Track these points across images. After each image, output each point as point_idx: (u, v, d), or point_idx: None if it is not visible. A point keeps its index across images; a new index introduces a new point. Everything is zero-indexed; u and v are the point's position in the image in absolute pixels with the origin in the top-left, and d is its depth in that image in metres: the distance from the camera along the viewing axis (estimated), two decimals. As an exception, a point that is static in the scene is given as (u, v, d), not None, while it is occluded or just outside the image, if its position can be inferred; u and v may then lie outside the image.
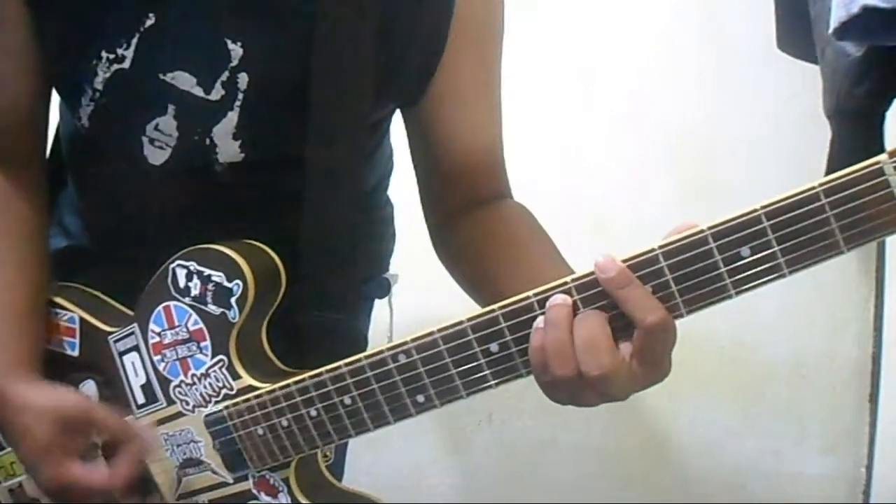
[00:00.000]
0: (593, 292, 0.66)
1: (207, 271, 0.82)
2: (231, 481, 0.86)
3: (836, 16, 0.97)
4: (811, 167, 1.22)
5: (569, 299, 0.66)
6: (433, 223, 0.97)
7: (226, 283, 0.81)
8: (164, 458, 0.88)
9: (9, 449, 0.94)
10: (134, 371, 0.88)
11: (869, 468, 1.70)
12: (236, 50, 0.84)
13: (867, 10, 0.93)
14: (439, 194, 0.95)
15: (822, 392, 1.72)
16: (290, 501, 0.84)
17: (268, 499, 0.85)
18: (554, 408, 1.79)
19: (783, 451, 1.75)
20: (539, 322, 0.67)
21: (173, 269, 0.84)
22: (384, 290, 1.11)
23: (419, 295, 1.23)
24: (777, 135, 1.66)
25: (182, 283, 0.84)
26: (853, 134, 1.20)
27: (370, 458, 1.77)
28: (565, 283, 0.67)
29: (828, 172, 0.81)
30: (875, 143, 1.17)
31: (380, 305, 1.12)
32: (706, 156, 1.70)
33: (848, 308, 1.69)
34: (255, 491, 0.85)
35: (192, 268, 0.83)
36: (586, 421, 1.79)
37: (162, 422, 0.88)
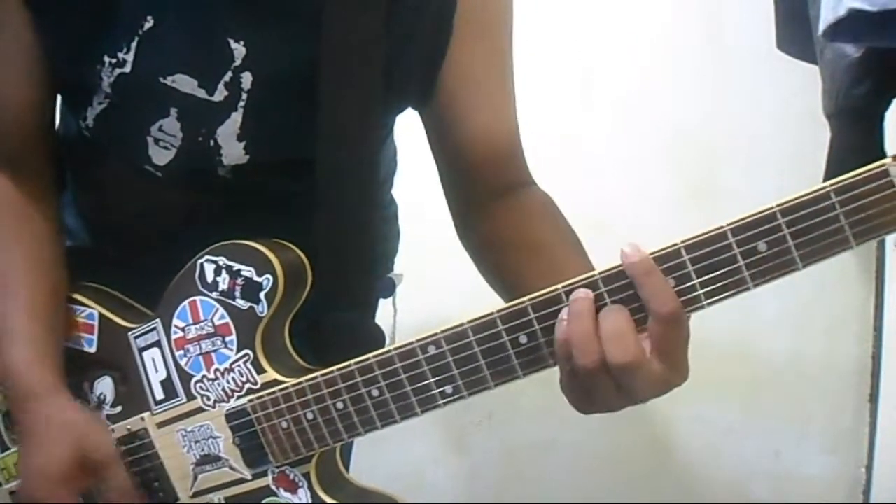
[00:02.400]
0: (618, 285, 0.67)
1: (237, 266, 0.83)
2: (249, 477, 0.86)
3: (824, 17, 0.98)
4: (811, 167, 1.22)
5: (591, 293, 0.67)
6: (456, 213, 0.96)
7: (256, 278, 0.82)
8: (180, 454, 0.88)
9: (12, 450, 0.94)
10: (154, 367, 0.88)
11: (869, 468, 1.71)
12: (239, 49, 0.83)
13: (853, 13, 0.94)
14: (461, 186, 0.94)
15: (822, 392, 1.73)
16: (309, 496, 0.84)
17: (287, 495, 0.85)
18: (554, 408, 1.79)
19: (783, 451, 1.76)
20: (563, 314, 0.68)
21: (201, 265, 0.84)
22: (388, 289, 1.11)
23: (423, 294, 1.24)
24: (777, 135, 1.67)
25: (210, 277, 0.84)
26: (853, 134, 1.20)
27: (370, 457, 1.77)
28: (592, 276, 0.68)
29: (827, 172, 0.81)
30: (875, 143, 1.17)
31: (384, 305, 1.12)
32: (706, 155, 1.70)
33: (848, 308, 1.70)
34: (273, 487, 0.85)
35: (221, 263, 0.83)
36: (586, 421, 1.76)
37: (180, 417, 0.87)
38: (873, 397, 1.69)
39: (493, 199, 0.91)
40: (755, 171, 1.66)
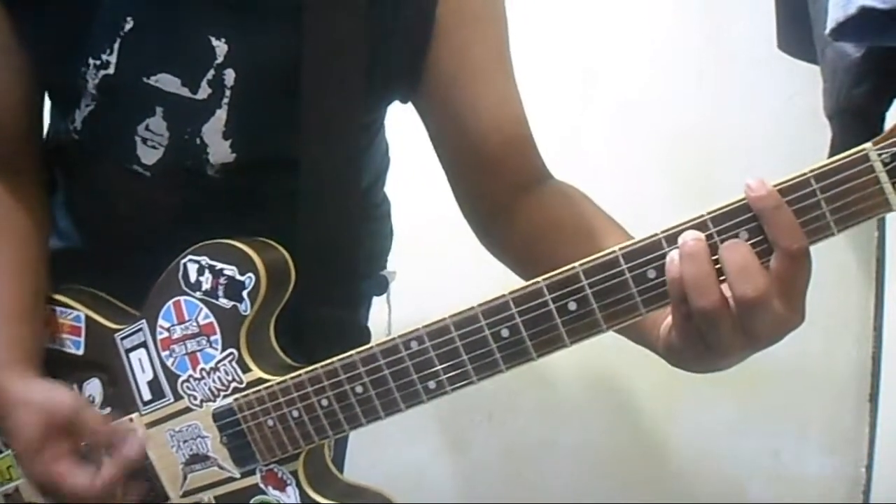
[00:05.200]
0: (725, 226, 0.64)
1: (220, 265, 0.83)
2: (238, 476, 0.86)
3: (833, 16, 0.97)
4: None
5: (702, 234, 0.64)
6: (475, 219, 0.94)
7: (238, 277, 0.82)
8: (169, 454, 0.88)
9: (6, 453, 0.94)
10: (141, 368, 0.89)
11: (869, 468, 1.70)
12: (221, 46, 0.83)
13: (864, 11, 0.93)
14: (479, 186, 0.92)
15: (822, 392, 1.72)
16: (298, 494, 0.84)
17: (276, 492, 0.85)
18: (554, 408, 1.79)
19: (783, 451, 1.75)
20: (674, 255, 0.64)
21: (184, 265, 0.85)
22: (382, 287, 1.11)
23: (417, 292, 1.23)
24: (777, 135, 1.66)
25: (193, 277, 0.84)
26: (853, 134, 1.20)
27: (370, 457, 1.77)
28: (613, 251, 0.66)
29: (826, 172, 0.80)
30: (875, 144, 1.17)
31: (378, 303, 1.12)
32: (706, 156, 1.70)
33: (848, 308, 1.69)
34: (262, 485, 0.86)
35: (203, 262, 0.84)
36: (586, 421, 1.79)
37: (168, 418, 0.88)
38: (873, 397, 1.69)
39: (516, 196, 0.89)
40: (755, 172, 1.61)
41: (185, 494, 0.89)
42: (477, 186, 0.92)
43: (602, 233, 0.83)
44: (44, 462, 0.84)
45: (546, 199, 0.89)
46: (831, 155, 1.24)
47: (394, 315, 1.10)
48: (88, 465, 0.86)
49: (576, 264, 0.68)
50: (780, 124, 1.66)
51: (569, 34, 1.72)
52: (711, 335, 0.65)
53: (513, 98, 0.91)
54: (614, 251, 0.67)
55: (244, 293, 0.82)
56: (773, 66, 1.50)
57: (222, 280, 0.83)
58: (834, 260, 1.63)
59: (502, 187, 0.90)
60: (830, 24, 0.98)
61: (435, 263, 1.39)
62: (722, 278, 0.64)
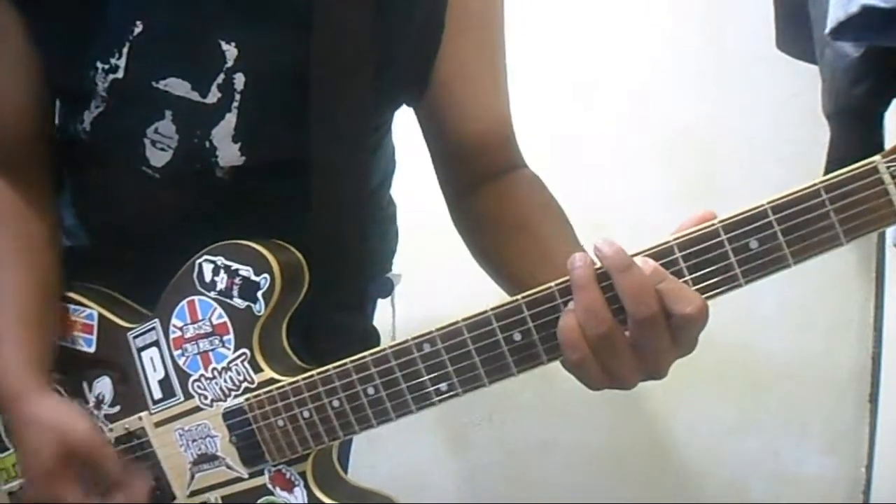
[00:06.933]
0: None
1: (235, 266, 0.83)
2: (246, 476, 0.86)
3: (834, 16, 0.98)
4: (811, 167, 1.22)
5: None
6: (450, 198, 0.97)
7: (253, 277, 0.82)
8: (177, 453, 0.88)
9: (10, 451, 0.94)
10: (152, 366, 0.89)
11: (869, 468, 1.71)
12: (231, 50, 0.83)
13: (866, 10, 0.94)
14: (452, 173, 0.95)
15: (822, 392, 1.73)
16: (305, 495, 0.84)
17: (283, 493, 0.85)
18: (554, 408, 1.78)
19: (783, 451, 1.76)
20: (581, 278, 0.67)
21: (199, 264, 0.85)
22: (387, 290, 1.11)
23: (422, 295, 1.24)
24: (777, 135, 1.67)
25: (208, 277, 0.84)
26: (852, 134, 1.21)
27: (371, 457, 1.77)
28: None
29: (827, 172, 0.81)
30: (874, 143, 1.18)
31: (382, 305, 1.12)
32: (706, 156, 1.70)
33: (848, 308, 1.70)
34: (270, 486, 0.86)
35: (219, 262, 0.84)
36: (586, 421, 1.79)
37: (178, 417, 0.88)
38: (873, 397, 1.69)
39: (484, 182, 0.92)
40: (755, 171, 1.66)
41: (192, 494, 0.89)
42: (451, 172, 0.95)
43: (538, 230, 0.86)
44: (49, 487, 0.84)
45: (498, 191, 0.91)
46: (830, 154, 1.25)
47: (398, 318, 1.10)
48: (92, 495, 0.86)
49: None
50: (780, 124, 1.67)
51: (571, 35, 1.72)
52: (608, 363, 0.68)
53: (499, 104, 0.93)
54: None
55: (259, 294, 0.82)
56: (773, 66, 1.50)
57: (237, 280, 0.83)
58: (834, 260, 1.63)
59: (471, 175, 0.93)
60: (831, 24, 0.99)
61: (439, 266, 1.39)
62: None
